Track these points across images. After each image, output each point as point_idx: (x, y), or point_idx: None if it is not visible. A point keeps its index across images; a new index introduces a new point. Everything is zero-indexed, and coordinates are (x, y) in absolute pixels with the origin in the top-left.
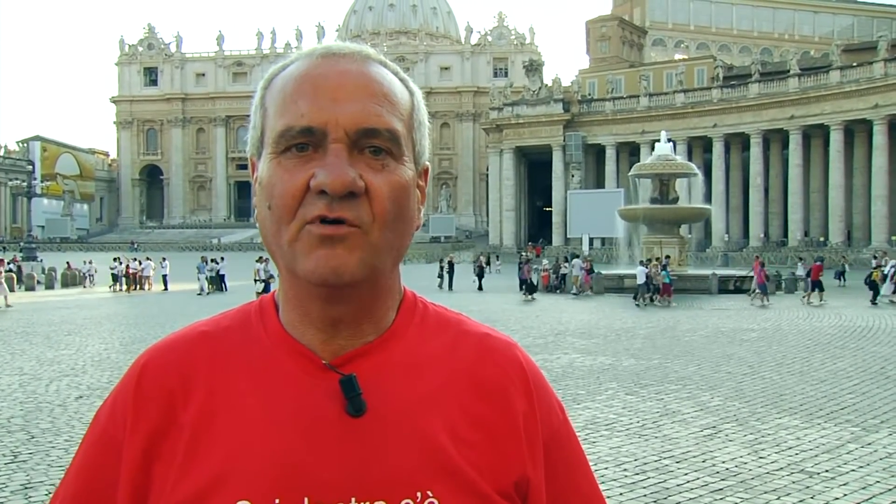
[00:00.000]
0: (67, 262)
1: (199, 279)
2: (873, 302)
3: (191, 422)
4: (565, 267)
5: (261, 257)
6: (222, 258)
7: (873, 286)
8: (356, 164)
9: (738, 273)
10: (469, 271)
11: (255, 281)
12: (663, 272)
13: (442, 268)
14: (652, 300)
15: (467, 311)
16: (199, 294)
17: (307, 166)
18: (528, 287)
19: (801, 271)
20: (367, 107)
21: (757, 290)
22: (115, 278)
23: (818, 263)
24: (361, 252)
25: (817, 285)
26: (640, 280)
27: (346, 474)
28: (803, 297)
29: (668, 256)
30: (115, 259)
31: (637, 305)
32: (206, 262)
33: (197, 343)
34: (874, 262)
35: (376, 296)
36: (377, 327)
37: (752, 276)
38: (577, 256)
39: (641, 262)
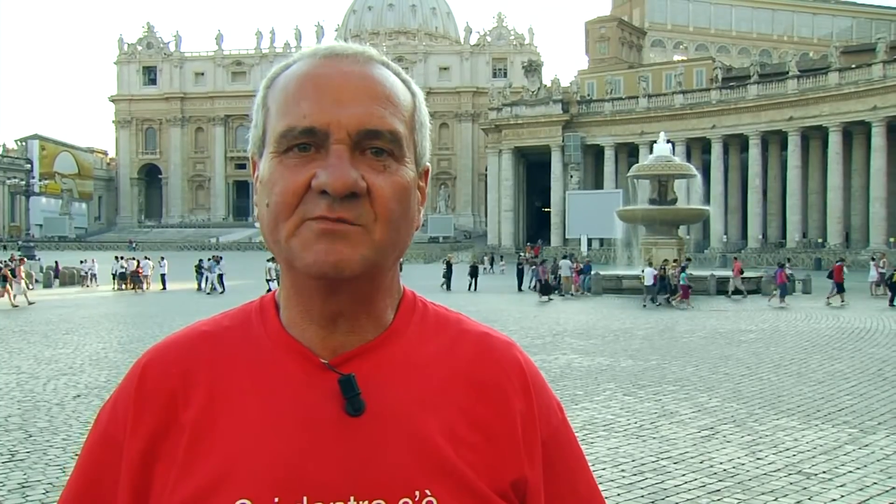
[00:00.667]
0: (56, 262)
1: (207, 278)
2: (891, 304)
3: (191, 422)
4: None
5: (273, 257)
6: (220, 258)
7: (893, 288)
8: (358, 165)
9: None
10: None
11: (267, 280)
12: (682, 274)
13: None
14: (669, 301)
15: (465, 311)
16: (208, 293)
17: (309, 166)
18: (543, 288)
19: (789, 271)
20: (370, 108)
21: (776, 292)
22: (121, 277)
23: (839, 264)
24: (363, 249)
25: (840, 286)
26: (648, 281)
27: (345, 474)
28: (828, 298)
29: (688, 259)
30: (117, 258)
31: (644, 306)
32: (217, 262)
33: (198, 343)
34: (872, 264)
35: (375, 290)
36: (376, 325)
37: (741, 277)
38: (567, 257)
39: (650, 263)
